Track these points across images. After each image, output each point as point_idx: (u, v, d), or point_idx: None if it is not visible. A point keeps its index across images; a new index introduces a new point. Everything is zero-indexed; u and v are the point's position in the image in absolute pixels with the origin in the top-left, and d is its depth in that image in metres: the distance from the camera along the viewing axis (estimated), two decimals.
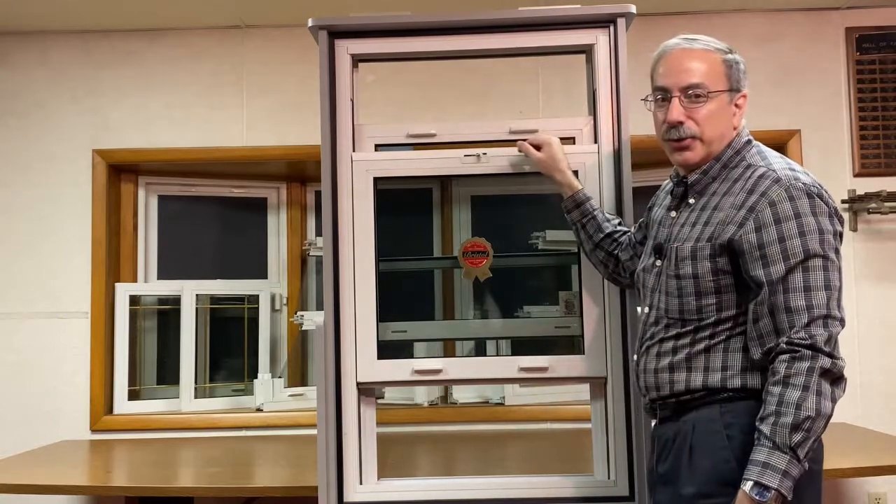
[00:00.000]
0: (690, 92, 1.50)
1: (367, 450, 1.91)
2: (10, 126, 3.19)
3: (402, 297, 3.27)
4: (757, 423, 1.35)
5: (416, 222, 3.39)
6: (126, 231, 3.28)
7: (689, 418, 1.47)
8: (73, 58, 3.21)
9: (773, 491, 1.30)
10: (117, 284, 3.20)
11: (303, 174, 3.44)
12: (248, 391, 3.26)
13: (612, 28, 1.91)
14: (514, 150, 1.94)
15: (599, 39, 1.92)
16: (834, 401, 1.35)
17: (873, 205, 3.02)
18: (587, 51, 1.96)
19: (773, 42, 3.14)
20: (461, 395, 3.19)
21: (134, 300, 3.24)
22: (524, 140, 1.88)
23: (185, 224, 3.42)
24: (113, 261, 3.20)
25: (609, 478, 1.89)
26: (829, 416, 1.35)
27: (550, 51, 1.97)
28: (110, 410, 3.14)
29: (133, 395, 3.21)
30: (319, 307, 3.34)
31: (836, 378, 1.36)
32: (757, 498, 1.31)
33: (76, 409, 3.09)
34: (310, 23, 1.92)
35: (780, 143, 3.10)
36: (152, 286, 3.32)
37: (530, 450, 2.80)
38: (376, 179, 1.94)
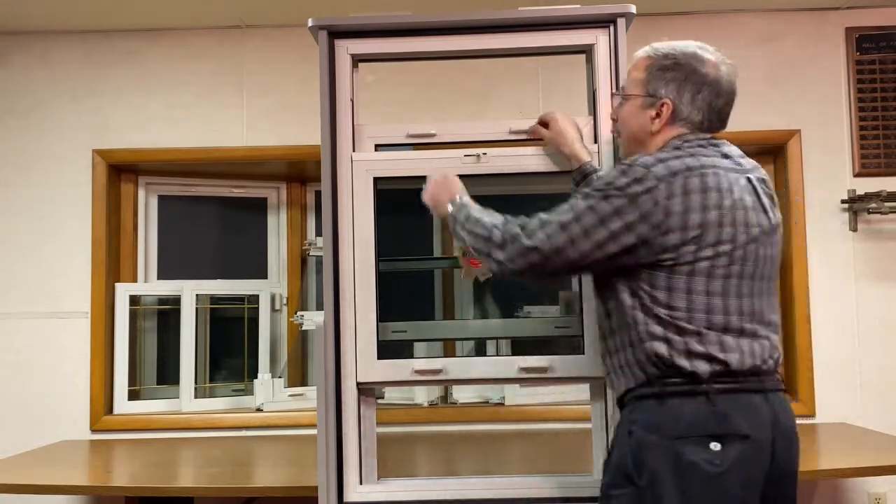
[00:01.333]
0: (614, 93, 1.73)
1: (367, 450, 1.91)
2: (10, 126, 3.19)
3: (402, 297, 3.27)
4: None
5: (416, 222, 3.39)
6: (126, 231, 3.28)
7: (621, 414, 1.58)
8: (73, 58, 3.21)
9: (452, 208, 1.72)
10: (117, 284, 3.20)
11: (303, 174, 3.44)
12: (248, 391, 3.26)
13: (612, 28, 1.91)
14: (514, 151, 1.94)
15: (599, 39, 1.92)
16: (482, 249, 1.59)
17: (873, 205, 3.02)
18: (587, 51, 1.96)
19: (773, 42, 3.15)
20: (461, 395, 3.19)
21: (134, 300, 3.24)
22: (534, 124, 1.92)
23: (185, 224, 3.42)
24: (113, 261, 3.20)
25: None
26: (477, 248, 1.61)
27: (550, 51, 1.97)
28: (110, 410, 3.14)
29: (133, 395, 3.21)
30: (319, 307, 3.33)
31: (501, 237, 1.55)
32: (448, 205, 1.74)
33: (76, 409, 3.09)
34: (310, 23, 1.92)
35: (779, 143, 3.10)
36: (152, 286, 3.32)
37: (530, 450, 2.80)
38: (376, 179, 1.94)
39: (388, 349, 1.94)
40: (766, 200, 1.56)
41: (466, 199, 1.73)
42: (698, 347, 1.45)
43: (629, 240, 1.45)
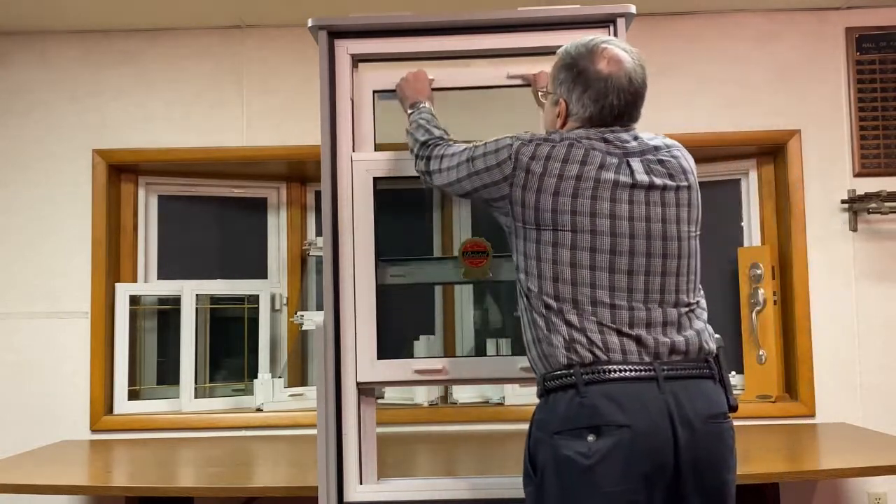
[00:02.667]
0: (539, 92, 1.85)
1: (367, 450, 1.91)
2: (10, 126, 3.19)
3: (402, 297, 3.28)
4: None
5: (416, 222, 3.39)
6: (126, 231, 3.28)
7: None
8: (73, 58, 3.21)
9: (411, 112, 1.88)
10: (117, 284, 3.20)
11: (303, 174, 3.44)
12: (248, 391, 3.26)
13: (611, 28, 1.91)
14: None
15: None
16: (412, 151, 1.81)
17: (873, 205, 3.02)
18: None
19: (773, 42, 3.15)
20: (461, 395, 3.19)
21: (134, 300, 3.24)
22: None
23: (185, 224, 3.42)
24: (113, 261, 3.20)
25: None
26: (411, 147, 1.82)
27: (550, 51, 1.96)
28: (110, 410, 3.14)
29: (133, 395, 3.21)
30: (319, 307, 3.34)
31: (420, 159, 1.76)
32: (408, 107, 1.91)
33: (76, 409, 3.09)
34: (309, 23, 1.92)
35: (779, 143, 3.10)
36: (152, 286, 3.32)
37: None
38: (376, 179, 1.94)
39: (388, 349, 1.94)
40: (657, 179, 1.52)
41: (426, 105, 1.88)
42: (571, 332, 1.46)
43: (496, 190, 1.56)
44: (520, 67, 1.98)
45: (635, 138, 1.57)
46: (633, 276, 1.48)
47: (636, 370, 1.44)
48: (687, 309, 1.53)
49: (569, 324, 1.46)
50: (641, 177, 1.51)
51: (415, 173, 1.84)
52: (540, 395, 1.55)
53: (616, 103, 1.55)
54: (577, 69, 1.57)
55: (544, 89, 1.71)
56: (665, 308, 1.50)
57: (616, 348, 1.45)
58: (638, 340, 1.46)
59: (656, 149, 1.57)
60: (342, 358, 1.89)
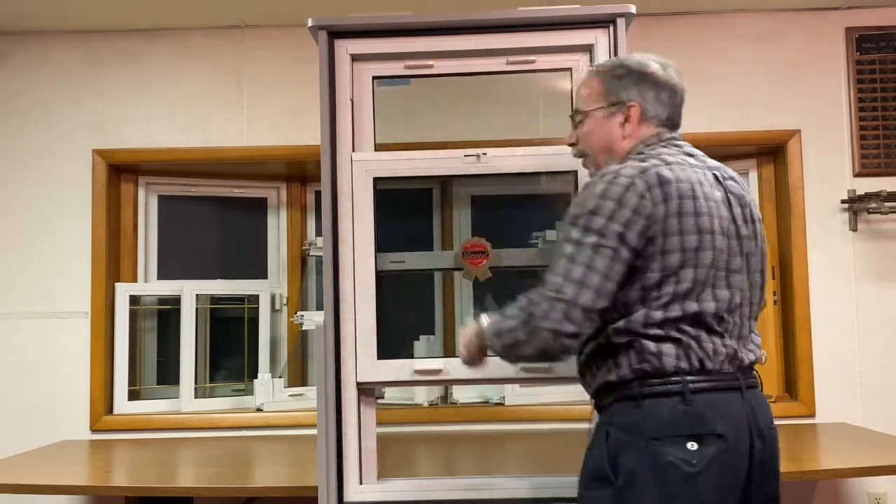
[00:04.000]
0: (572, 116, 1.67)
1: (367, 450, 1.91)
2: (11, 126, 3.19)
3: (402, 298, 3.28)
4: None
5: (416, 222, 3.39)
6: (126, 231, 3.28)
7: (600, 418, 1.56)
8: (73, 58, 3.21)
9: (482, 321, 1.59)
10: (117, 284, 3.20)
11: (303, 174, 3.44)
12: (248, 391, 3.26)
13: (611, 28, 1.91)
14: (514, 151, 1.94)
15: (599, 39, 1.92)
16: (521, 340, 1.47)
17: (873, 205, 3.02)
18: (587, 51, 1.96)
19: (773, 42, 3.14)
20: (461, 395, 3.19)
21: (134, 300, 3.24)
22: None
23: (185, 224, 3.42)
24: (113, 261, 3.20)
25: None
26: (517, 341, 1.47)
27: (550, 51, 1.97)
28: (110, 410, 3.14)
29: (133, 395, 3.21)
30: (319, 307, 3.33)
31: (527, 329, 1.44)
32: (476, 321, 1.62)
33: (76, 409, 3.09)
34: (309, 23, 1.92)
35: (779, 143, 3.10)
36: (152, 286, 3.32)
37: (530, 450, 2.80)
38: (376, 179, 1.94)
39: (389, 349, 1.94)
40: (734, 194, 1.55)
41: (481, 321, 1.63)
42: (671, 344, 1.44)
43: (636, 241, 1.43)
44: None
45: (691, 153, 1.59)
46: (731, 290, 1.49)
47: (727, 381, 1.47)
48: (754, 324, 1.57)
49: (669, 327, 1.45)
50: (733, 198, 1.54)
51: (415, 173, 1.84)
52: (620, 400, 1.48)
53: (680, 105, 1.61)
54: (637, 72, 1.58)
55: (577, 118, 1.64)
56: (749, 321, 1.54)
57: (719, 358, 1.46)
58: (734, 352, 1.48)
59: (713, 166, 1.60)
60: (342, 358, 1.89)
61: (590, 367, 1.55)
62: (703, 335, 1.45)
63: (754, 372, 1.54)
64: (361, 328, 1.90)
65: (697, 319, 1.44)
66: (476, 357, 1.68)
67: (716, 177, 1.54)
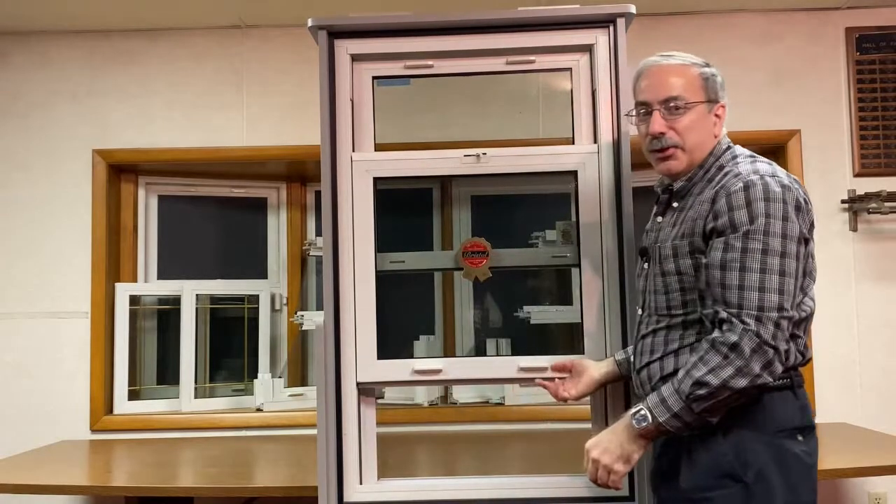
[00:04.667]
0: (671, 104, 1.56)
1: (367, 450, 1.91)
2: (11, 126, 3.19)
3: (403, 298, 3.28)
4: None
5: (416, 222, 3.39)
6: (126, 231, 3.28)
7: None
8: (73, 58, 3.21)
9: (649, 421, 1.42)
10: (117, 284, 3.20)
11: (303, 174, 3.44)
12: (248, 391, 3.26)
13: (611, 28, 1.91)
14: (514, 151, 1.94)
15: (599, 39, 1.92)
16: (749, 376, 1.37)
17: (873, 205, 3.02)
18: (587, 51, 1.96)
19: (773, 42, 3.14)
20: (461, 395, 3.19)
21: (134, 300, 3.24)
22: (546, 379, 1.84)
23: (185, 224, 3.42)
24: (113, 261, 3.20)
25: None
26: (739, 389, 1.37)
27: (550, 51, 1.97)
28: (110, 410, 3.14)
29: (133, 395, 3.21)
30: (319, 307, 3.34)
31: (763, 360, 1.37)
32: (634, 424, 1.44)
33: (76, 409, 3.09)
34: (309, 23, 1.92)
35: (779, 143, 3.10)
36: (152, 286, 3.32)
37: (530, 450, 2.80)
38: (376, 179, 1.94)
39: (389, 349, 1.94)
40: None
41: (642, 407, 1.47)
42: (792, 342, 1.46)
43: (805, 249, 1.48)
44: None
45: None
46: None
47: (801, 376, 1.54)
48: None
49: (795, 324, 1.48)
50: None
51: (415, 173, 1.84)
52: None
53: None
54: (718, 73, 1.61)
55: (669, 105, 1.55)
56: None
57: (808, 354, 1.53)
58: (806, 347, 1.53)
59: None
60: (342, 358, 1.89)
61: (680, 360, 1.52)
62: (800, 331, 1.50)
63: None
64: (361, 328, 1.90)
65: (797, 318, 1.47)
66: (622, 464, 1.48)
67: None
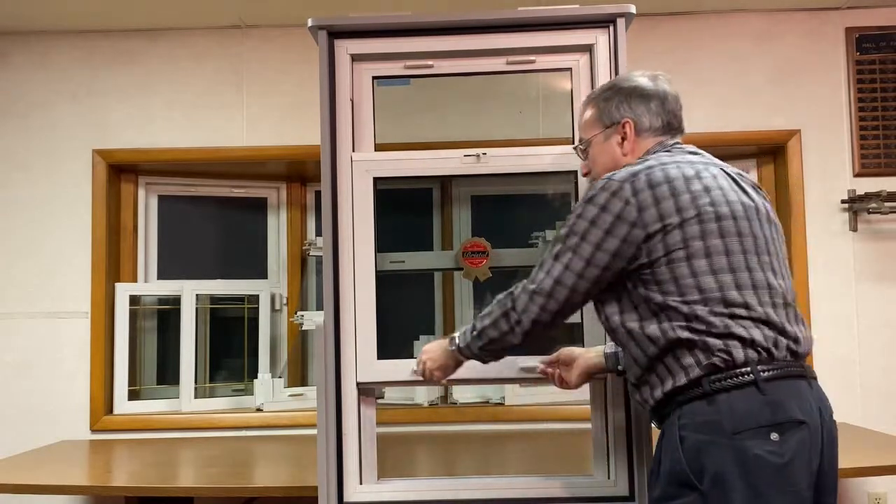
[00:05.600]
0: (580, 148, 1.73)
1: (367, 450, 1.91)
2: (11, 126, 3.19)
3: (402, 298, 3.28)
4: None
5: (416, 222, 3.39)
6: (126, 231, 3.28)
7: (664, 424, 1.50)
8: (73, 58, 3.21)
9: (455, 346, 1.68)
10: (117, 284, 3.20)
11: (303, 174, 3.44)
12: (248, 391, 3.26)
13: (611, 28, 1.91)
14: (514, 151, 1.94)
15: (599, 39, 1.92)
16: (498, 330, 1.58)
17: (873, 205, 3.02)
18: (587, 51, 1.96)
19: (773, 42, 3.15)
20: (461, 395, 3.19)
21: (134, 300, 3.24)
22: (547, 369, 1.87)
23: (185, 224, 3.42)
24: (113, 261, 3.20)
25: (609, 478, 1.89)
26: (495, 338, 1.59)
27: (550, 51, 1.97)
28: (110, 410, 3.14)
29: (133, 395, 3.21)
30: (319, 307, 3.33)
31: (507, 321, 1.56)
32: (448, 344, 1.71)
33: (76, 409, 3.09)
34: (309, 23, 1.92)
35: (779, 143, 3.10)
36: (152, 286, 3.32)
37: (530, 450, 2.80)
38: (376, 179, 1.94)
39: (389, 349, 1.94)
40: (747, 186, 1.55)
41: (453, 336, 1.72)
42: (734, 338, 1.41)
43: (618, 246, 1.46)
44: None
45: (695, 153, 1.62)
46: (766, 273, 1.47)
47: (794, 368, 1.45)
48: (794, 306, 1.55)
49: (717, 317, 1.43)
50: (747, 186, 1.56)
51: (415, 173, 1.83)
52: (689, 400, 1.43)
53: (677, 111, 1.64)
54: (625, 89, 1.63)
55: (581, 148, 1.72)
56: (792, 307, 1.52)
57: (782, 345, 1.44)
58: (795, 338, 1.46)
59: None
60: (342, 358, 1.89)
61: (649, 380, 1.50)
62: (759, 323, 1.42)
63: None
64: (361, 328, 1.90)
65: (747, 307, 1.42)
66: (440, 371, 1.76)
67: (722, 170, 1.55)
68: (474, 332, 1.63)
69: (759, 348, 1.41)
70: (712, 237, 1.44)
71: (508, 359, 1.93)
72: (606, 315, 1.55)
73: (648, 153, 1.59)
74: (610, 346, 1.79)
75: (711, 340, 1.41)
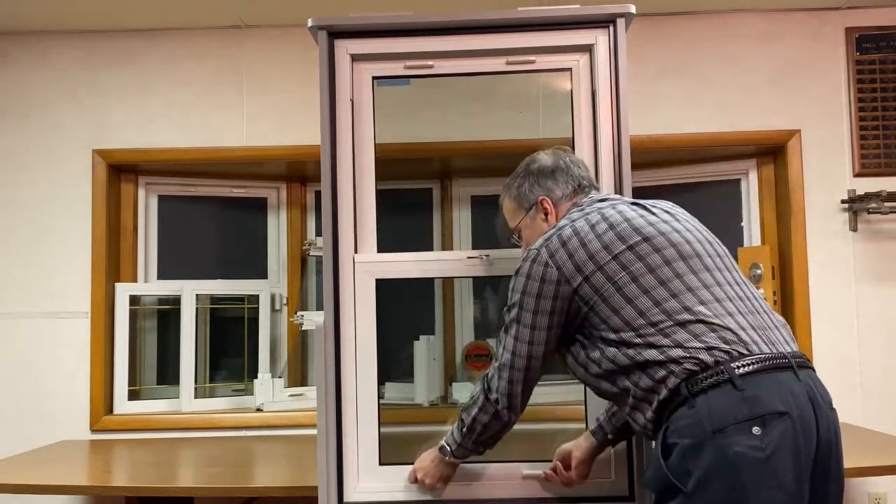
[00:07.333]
0: (513, 238, 1.86)
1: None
2: (11, 126, 3.19)
3: (402, 298, 3.28)
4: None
5: (416, 222, 3.39)
6: (126, 231, 3.28)
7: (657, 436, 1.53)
8: (73, 58, 3.21)
9: (448, 451, 1.81)
10: (117, 284, 3.20)
11: (303, 174, 3.44)
12: (248, 391, 3.26)
13: (611, 28, 1.91)
14: (517, 252, 1.91)
15: (599, 39, 1.92)
16: (483, 424, 1.75)
17: (873, 205, 3.02)
18: (587, 51, 1.96)
19: (772, 42, 3.15)
20: (461, 395, 3.19)
21: (134, 300, 3.24)
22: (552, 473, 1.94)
23: (185, 224, 3.42)
24: (113, 261, 3.21)
25: (609, 478, 1.89)
26: (486, 422, 1.75)
27: (550, 51, 1.97)
28: (110, 410, 3.14)
29: (133, 395, 3.21)
30: (319, 307, 3.34)
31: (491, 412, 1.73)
32: (440, 453, 1.83)
33: (76, 409, 3.09)
34: (309, 23, 1.92)
35: (779, 142, 3.10)
36: (152, 286, 3.33)
37: (530, 450, 2.79)
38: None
39: (389, 349, 1.94)
40: (658, 210, 1.65)
41: (441, 445, 1.85)
42: (684, 339, 1.46)
43: (553, 305, 1.59)
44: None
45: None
46: (703, 276, 1.56)
47: (774, 360, 1.45)
48: (762, 301, 1.63)
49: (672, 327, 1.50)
50: (644, 207, 1.66)
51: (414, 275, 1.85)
52: (673, 411, 1.46)
53: (580, 172, 1.78)
54: (533, 171, 1.78)
55: (515, 235, 1.83)
56: (757, 302, 1.59)
57: (751, 339, 1.47)
58: (765, 329, 1.51)
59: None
60: (342, 358, 1.89)
61: (638, 407, 1.53)
62: (705, 322, 1.47)
63: (801, 353, 1.53)
64: (361, 328, 1.90)
65: (689, 310, 1.48)
66: (441, 483, 1.88)
67: (631, 203, 1.66)
68: (464, 429, 1.75)
69: (723, 345, 1.45)
70: (632, 264, 1.54)
71: (511, 465, 1.93)
72: (572, 367, 1.66)
73: (565, 217, 1.70)
74: (592, 423, 1.87)
75: (674, 352, 1.46)
